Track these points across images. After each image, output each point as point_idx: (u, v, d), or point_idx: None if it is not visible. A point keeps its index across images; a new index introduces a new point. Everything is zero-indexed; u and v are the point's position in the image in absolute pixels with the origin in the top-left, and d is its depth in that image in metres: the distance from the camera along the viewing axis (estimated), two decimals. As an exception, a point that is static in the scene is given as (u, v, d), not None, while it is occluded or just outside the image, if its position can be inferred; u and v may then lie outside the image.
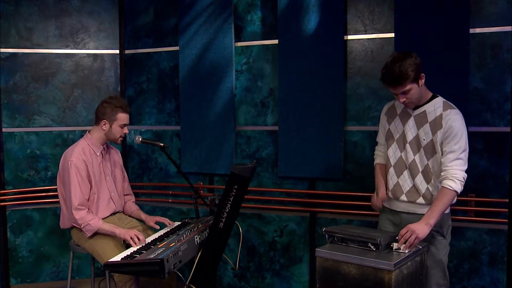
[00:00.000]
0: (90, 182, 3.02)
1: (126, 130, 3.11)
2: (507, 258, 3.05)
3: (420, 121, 2.54)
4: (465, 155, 2.45)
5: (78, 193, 2.93)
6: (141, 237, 2.82)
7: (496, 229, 3.08)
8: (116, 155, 3.31)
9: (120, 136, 3.09)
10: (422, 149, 2.54)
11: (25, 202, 4.01)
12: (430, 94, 2.56)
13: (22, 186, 4.01)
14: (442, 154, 2.47)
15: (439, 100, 2.53)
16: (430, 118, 2.51)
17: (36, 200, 4.02)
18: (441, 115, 2.47)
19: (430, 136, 2.50)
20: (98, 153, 3.09)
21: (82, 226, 2.92)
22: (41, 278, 4.08)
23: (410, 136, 2.58)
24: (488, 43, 3.05)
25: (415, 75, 2.41)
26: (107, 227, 2.94)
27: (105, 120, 3.05)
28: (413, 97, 2.47)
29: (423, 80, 2.47)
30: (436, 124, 2.48)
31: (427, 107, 2.53)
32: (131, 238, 2.80)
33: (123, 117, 3.06)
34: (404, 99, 2.48)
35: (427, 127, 2.51)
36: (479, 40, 3.07)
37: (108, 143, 3.21)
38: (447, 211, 2.55)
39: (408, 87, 2.42)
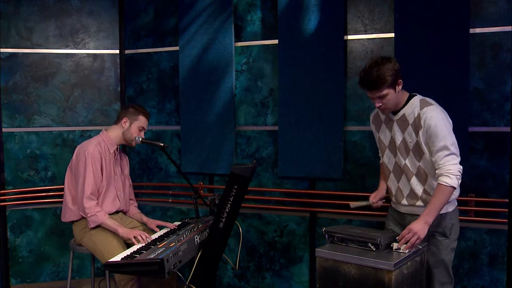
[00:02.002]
0: (101, 174, 3.08)
1: (142, 135, 3.20)
2: (507, 258, 3.05)
3: (403, 125, 2.55)
4: (454, 148, 2.42)
5: (92, 182, 2.99)
6: (144, 236, 2.83)
7: (496, 229, 3.08)
8: (126, 164, 3.37)
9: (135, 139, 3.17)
10: (411, 152, 2.54)
11: (25, 202, 4.01)
12: (406, 96, 2.55)
13: (22, 186, 4.01)
14: (430, 154, 2.47)
15: (416, 100, 2.52)
16: (411, 120, 2.51)
17: (36, 200, 4.02)
18: (419, 115, 2.46)
19: (415, 138, 2.50)
20: (111, 151, 3.15)
21: (88, 216, 2.96)
22: (41, 278, 4.08)
23: (398, 141, 2.59)
24: (488, 43, 3.05)
25: (392, 80, 2.41)
26: (111, 223, 2.97)
27: (126, 118, 3.15)
28: (389, 103, 2.47)
29: (400, 86, 2.47)
30: (417, 125, 2.48)
31: (405, 110, 2.53)
32: (135, 237, 2.82)
33: (143, 120, 3.17)
34: (380, 104, 2.48)
35: (410, 129, 2.52)
36: (479, 40, 3.07)
37: (120, 149, 3.28)
38: (451, 209, 2.55)
39: (384, 91, 2.43)
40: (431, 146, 2.45)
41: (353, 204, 2.75)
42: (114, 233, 2.99)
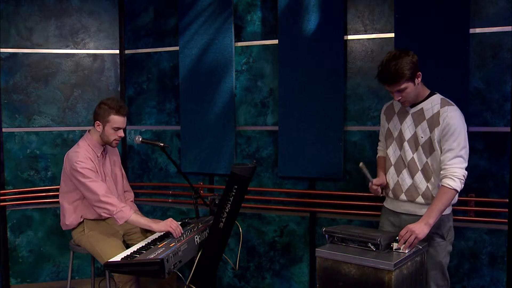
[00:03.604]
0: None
1: (121, 134, 3.02)
2: (507, 258, 3.05)
3: (418, 119, 2.53)
4: (465, 152, 2.43)
5: (100, 184, 2.87)
6: (178, 230, 2.73)
7: (496, 229, 3.09)
8: (115, 154, 3.28)
9: (114, 140, 3.02)
10: (420, 147, 2.53)
11: (25, 202, 4.01)
12: (427, 91, 2.55)
13: (22, 186, 4.01)
14: (441, 152, 2.46)
15: (436, 97, 2.52)
16: (428, 115, 2.50)
17: (36, 200, 4.02)
18: (438, 112, 2.46)
19: (428, 133, 2.49)
20: (98, 154, 3.06)
21: (114, 213, 2.79)
22: (41, 278, 4.08)
23: (408, 134, 2.57)
24: (488, 43, 3.05)
25: (411, 74, 2.41)
26: (143, 220, 2.83)
27: (98, 121, 2.98)
28: (408, 96, 2.47)
29: (419, 79, 2.46)
30: (434, 121, 2.47)
31: (424, 105, 2.52)
32: (174, 229, 2.73)
33: (116, 120, 2.96)
34: (400, 97, 2.48)
35: (424, 124, 2.51)
36: (479, 40, 3.07)
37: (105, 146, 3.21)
38: (448, 212, 2.55)
39: (403, 85, 2.42)
40: (443, 144, 2.44)
41: (362, 165, 2.67)
42: (113, 234, 2.99)
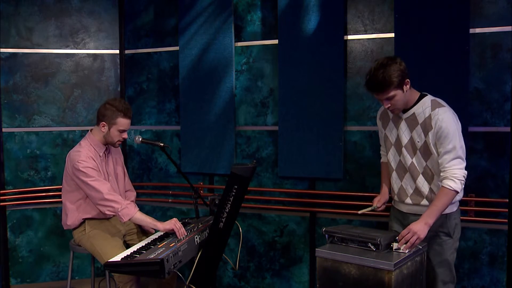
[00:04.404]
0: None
1: (125, 135, 3.03)
2: (507, 258, 3.05)
3: (412, 124, 2.54)
4: (462, 152, 2.43)
5: (103, 182, 2.88)
6: (182, 231, 2.76)
7: (496, 229, 3.09)
8: (117, 152, 3.26)
9: (118, 141, 3.03)
10: (418, 151, 2.54)
11: (25, 202, 4.01)
12: (417, 95, 2.54)
13: (22, 186, 4.01)
14: (438, 154, 2.47)
15: (427, 100, 2.52)
16: (420, 119, 2.50)
17: (36, 200, 4.02)
18: (430, 116, 2.46)
19: (423, 138, 2.50)
20: (101, 154, 3.05)
21: (119, 210, 2.80)
22: (41, 278, 4.08)
23: (404, 139, 2.58)
24: (488, 43, 3.05)
25: (399, 82, 2.41)
26: (149, 219, 2.85)
27: (104, 123, 2.98)
28: (397, 103, 2.47)
29: (408, 86, 2.46)
30: (427, 125, 2.47)
31: (415, 109, 2.52)
32: (178, 229, 2.75)
33: (123, 122, 2.98)
34: (389, 105, 2.48)
35: (419, 129, 2.51)
36: (479, 40, 3.07)
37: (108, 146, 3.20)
38: (453, 209, 2.55)
39: (392, 93, 2.43)
40: (439, 147, 2.44)
41: (361, 211, 2.74)
42: (114, 234, 2.99)
